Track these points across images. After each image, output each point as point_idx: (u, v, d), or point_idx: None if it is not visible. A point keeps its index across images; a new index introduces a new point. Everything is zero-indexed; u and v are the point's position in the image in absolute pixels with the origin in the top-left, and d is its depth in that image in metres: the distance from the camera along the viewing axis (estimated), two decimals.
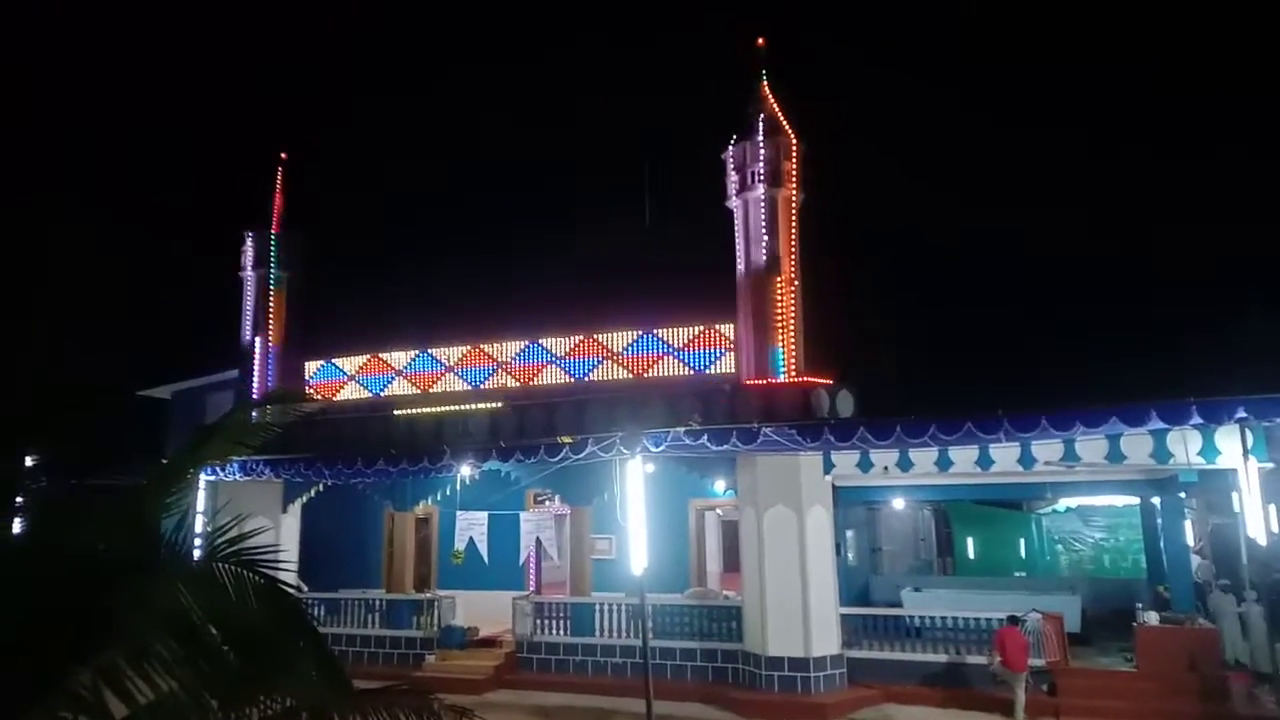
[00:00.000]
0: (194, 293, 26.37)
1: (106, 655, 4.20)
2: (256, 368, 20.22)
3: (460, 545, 18.67)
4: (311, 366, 20.49)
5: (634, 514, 13.32)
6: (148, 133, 33.93)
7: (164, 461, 5.83)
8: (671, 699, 14.16)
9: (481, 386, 18.72)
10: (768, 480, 15.00)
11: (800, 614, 14.47)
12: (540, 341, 18.49)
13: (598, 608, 16.68)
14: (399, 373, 19.74)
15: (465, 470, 16.97)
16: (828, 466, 15.05)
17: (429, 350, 19.38)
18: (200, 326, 24.07)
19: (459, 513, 18.65)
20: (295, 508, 18.90)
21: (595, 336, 17.99)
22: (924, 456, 14.44)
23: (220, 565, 4.99)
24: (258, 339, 20.33)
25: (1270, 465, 13.26)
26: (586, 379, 18.05)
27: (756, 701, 14.19)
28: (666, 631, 15.80)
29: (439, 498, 18.57)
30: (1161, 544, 16.91)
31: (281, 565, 5.23)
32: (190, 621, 4.57)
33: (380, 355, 19.90)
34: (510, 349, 18.71)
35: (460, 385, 19.04)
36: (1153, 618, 14.29)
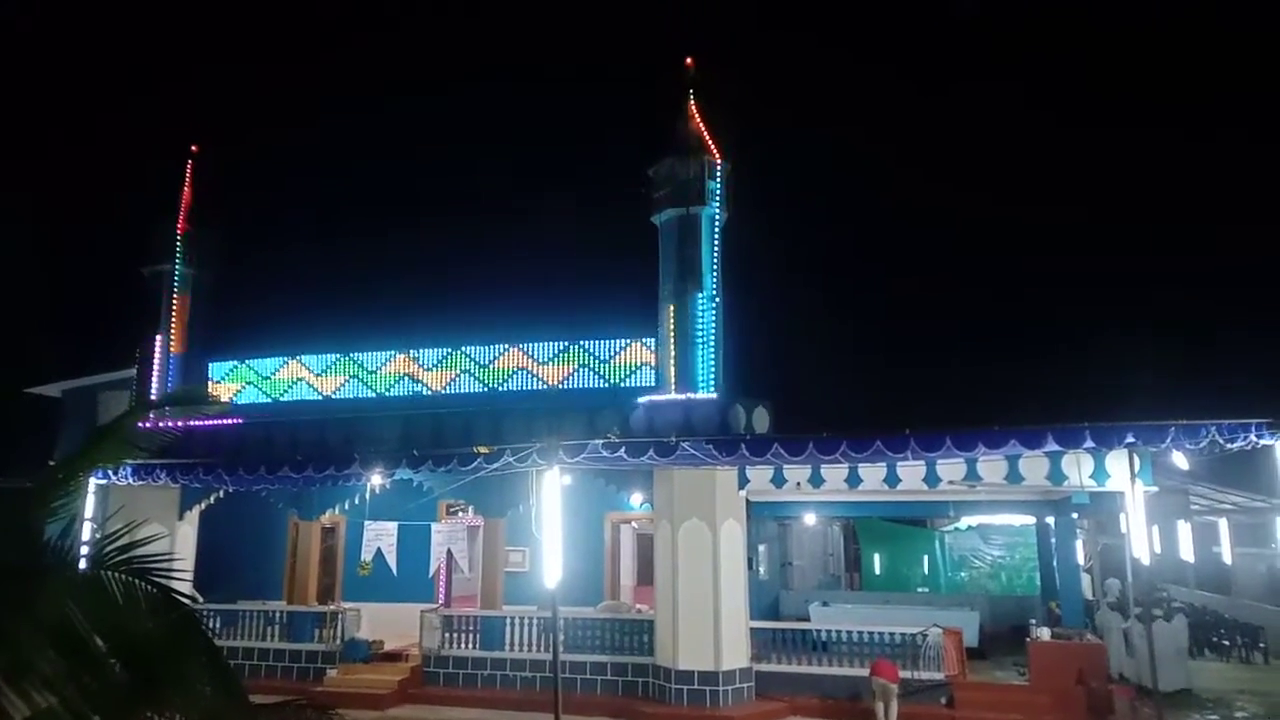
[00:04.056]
0: (91, 288, 25.13)
1: None
2: (156, 367, 19.32)
3: (368, 556, 18.19)
4: (216, 368, 19.70)
5: (549, 526, 13.21)
6: (45, 119, 32.25)
7: (51, 463, 5.51)
8: (581, 713, 14.06)
9: (395, 394, 18.31)
10: (683, 494, 15.10)
11: (711, 628, 14.58)
12: (458, 349, 18.21)
13: (509, 621, 16.46)
14: (309, 377, 19.15)
15: (375, 479, 16.53)
16: (742, 481, 15.24)
17: (341, 355, 18.86)
18: (96, 322, 22.95)
19: (367, 523, 18.18)
20: (193, 515, 18.10)
21: (516, 346, 17.84)
22: (835, 473, 14.79)
23: (109, 573, 4.74)
24: (158, 337, 19.44)
25: (1155, 489, 14.04)
26: (504, 389, 17.86)
27: (665, 715, 14.21)
28: (578, 645, 15.70)
29: (347, 507, 18.06)
30: (1055, 562, 17.69)
31: (176, 574, 5.00)
32: (75, 632, 4.32)
33: (289, 359, 19.27)
34: (426, 356, 18.37)
35: (373, 392, 18.59)
36: (1045, 633, 14.90)
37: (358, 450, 15.94)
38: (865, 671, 14.07)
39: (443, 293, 19.29)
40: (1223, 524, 23.36)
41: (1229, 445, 12.10)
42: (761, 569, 19.78)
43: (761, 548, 19.90)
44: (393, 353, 18.46)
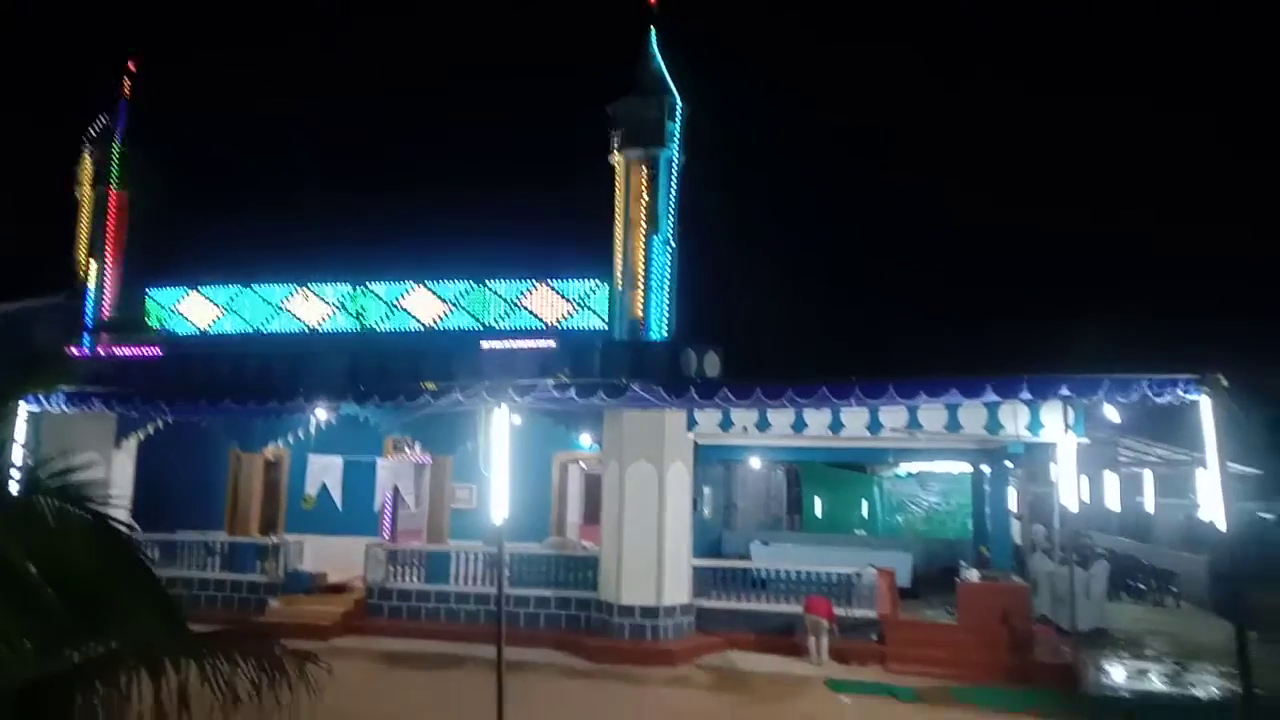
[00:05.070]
0: (22, 209, 24.04)
1: None
2: (91, 293, 18.71)
3: (312, 490, 18.08)
4: (156, 295, 19.12)
5: (497, 464, 13.24)
6: None
7: None
8: (525, 645, 14.32)
9: (343, 327, 18.02)
10: (632, 435, 15.24)
11: (655, 565, 14.89)
12: (407, 283, 17.92)
13: (454, 555, 16.59)
14: (254, 306, 18.71)
15: (321, 413, 16.37)
16: (691, 424, 15.42)
17: (289, 285, 18.41)
18: (30, 245, 22.00)
19: (312, 456, 18.02)
20: (130, 444, 17.73)
21: (468, 283, 17.62)
22: (781, 418, 15.03)
23: (43, 500, 4.65)
24: (94, 262, 18.78)
25: (1086, 441, 14.56)
26: (456, 326, 17.69)
27: (607, 648, 14.56)
28: (523, 580, 15.91)
29: (291, 440, 17.86)
30: (987, 509, 18.34)
31: (113, 502, 4.93)
32: (6, 558, 4.24)
33: (234, 288, 18.76)
34: (377, 289, 18.06)
35: (320, 324, 18.26)
36: (973, 575, 15.52)
37: (302, 383, 15.74)
38: (801, 608, 14.54)
39: (394, 227, 18.85)
40: (1147, 475, 24.42)
41: (1157, 399, 12.56)
42: (706, 510, 20.17)
43: (707, 489, 20.25)
44: (342, 286, 18.10)
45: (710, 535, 20.17)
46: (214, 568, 17.48)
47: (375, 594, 16.54)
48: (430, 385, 14.48)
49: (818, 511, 25.70)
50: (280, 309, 18.35)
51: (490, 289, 17.55)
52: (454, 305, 17.61)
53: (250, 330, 18.36)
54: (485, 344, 16.66)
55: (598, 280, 17.23)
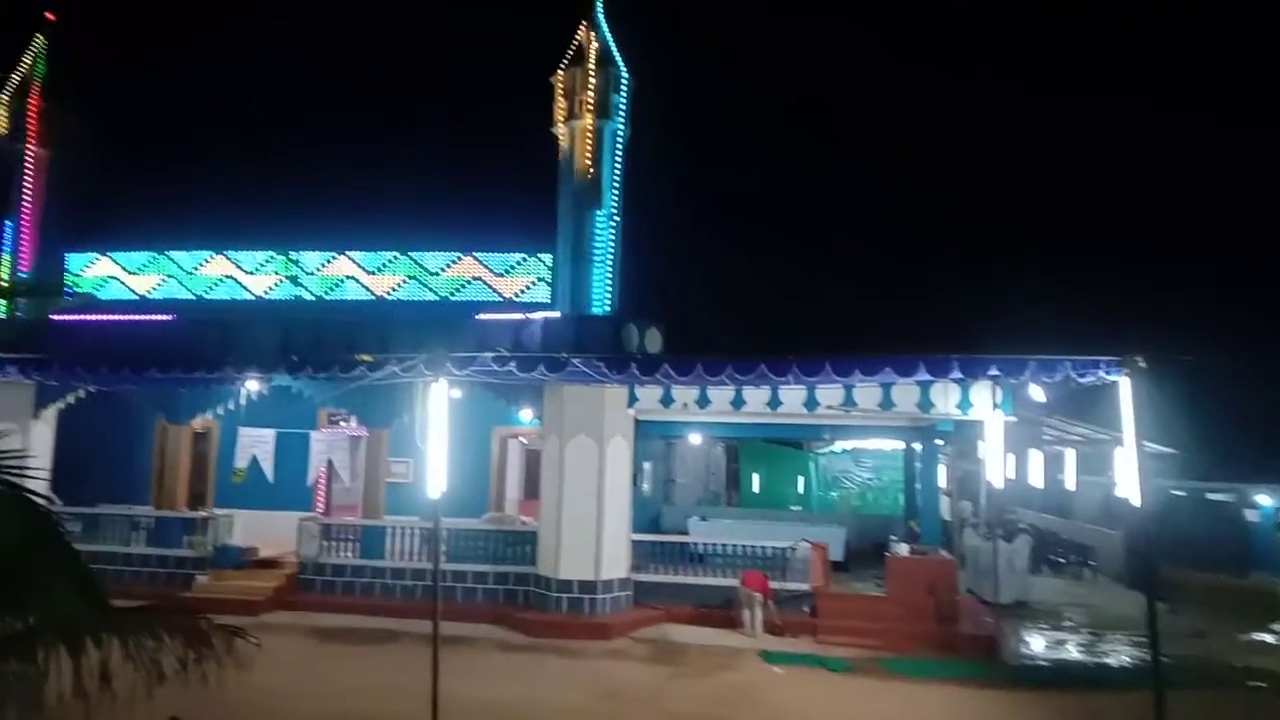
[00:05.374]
0: None
1: None
2: (6, 255, 17.85)
3: (242, 463, 17.64)
4: (75, 259, 18.34)
5: (434, 439, 13.08)
6: None
7: None
8: (462, 620, 14.25)
9: (275, 296, 17.54)
10: (573, 411, 15.21)
11: (594, 539, 14.94)
12: (346, 254, 17.51)
13: (390, 530, 16.40)
14: (182, 273, 18.08)
15: (252, 384, 15.94)
16: (632, 400, 15.46)
17: (218, 251, 17.84)
18: None
19: (242, 429, 17.57)
20: (49, 414, 17.06)
21: (406, 254, 17.29)
22: (721, 395, 15.17)
23: None
24: (7, 222, 17.90)
25: (1013, 419, 15.03)
26: (394, 297, 17.35)
27: (545, 622, 14.59)
28: (460, 555, 15.82)
29: (221, 411, 17.38)
30: (918, 485, 18.84)
31: (29, 473, 4.73)
32: None
33: (159, 254, 18.10)
34: (312, 260, 17.61)
35: (251, 293, 17.74)
36: (903, 549, 15.96)
37: (232, 353, 15.29)
38: (737, 582, 14.78)
39: (330, 194, 18.38)
40: (1069, 454, 25.34)
41: (1081, 380, 13.01)
42: (646, 485, 20.29)
43: (647, 465, 20.37)
44: (272, 254, 17.61)
45: (650, 510, 20.31)
46: (139, 542, 16.98)
47: (309, 569, 16.27)
48: (366, 357, 14.20)
49: (755, 487, 26.09)
50: (209, 276, 17.78)
51: (428, 260, 17.25)
52: (395, 276, 17.29)
53: (178, 298, 17.76)
54: (422, 316, 16.40)
55: (541, 254, 17.08)
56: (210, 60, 24.48)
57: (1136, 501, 9.21)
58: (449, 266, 17.28)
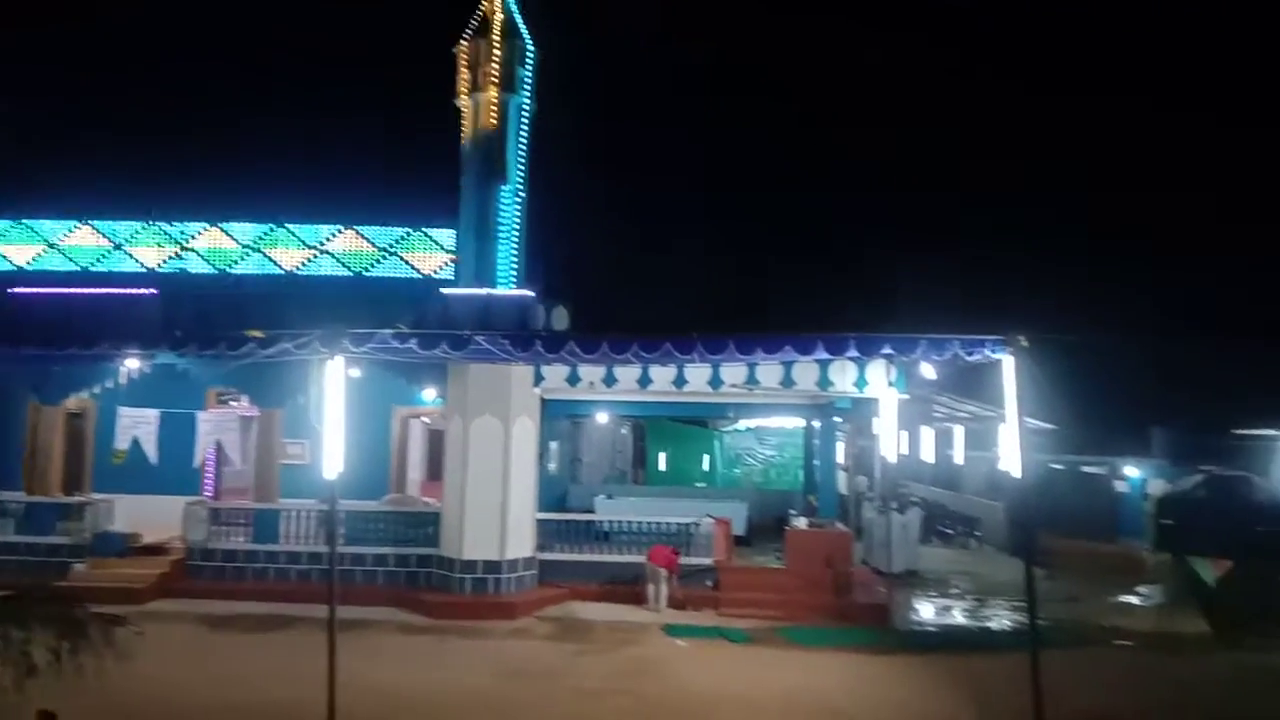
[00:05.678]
0: None
1: None
2: None
3: (123, 445, 16.70)
4: None
5: (331, 418, 12.66)
6: None
7: None
8: (362, 604, 13.94)
9: (159, 268, 16.62)
10: (478, 390, 14.99)
11: (499, 519, 14.80)
12: (235, 225, 16.70)
13: (284, 514, 15.86)
14: (52, 243, 16.91)
15: (132, 362, 15.09)
16: (538, 379, 15.34)
17: (93, 220, 16.75)
18: None
19: (121, 409, 16.62)
20: None
21: (283, 225, 16.60)
22: (627, 373, 15.21)
23: None
24: None
25: (906, 397, 15.60)
26: (290, 272, 16.67)
27: (448, 603, 14.41)
28: (359, 538, 15.44)
29: (98, 391, 16.41)
30: (817, 461, 19.38)
31: None
32: None
33: (29, 220, 16.87)
34: (196, 229, 16.73)
35: (132, 265, 16.75)
36: (802, 523, 16.43)
37: (108, 329, 14.38)
38: (644, 558, 14.92)
39: (219, 161, 17.49)
40: (958, 430, 26.51)
41: (969, 358, 13.55)
42: (552, 464, 20.23)
43: (553, 444, 20.29)
44: (158, 225, 16.66)
45: (556, 489, 20.28)
46: (8, 530, 15.93)
47: (196, 555, 15.60)
48: (256, 333, 13.58)
49: (661, 465, 26.40)
50: (94, 248, 16.71)
51: (326, 234, 16.65)
52: (302, 251, 16.62)
53: (59, 269, 16.65)
54: (321, 291, 15.83)
55: (444, 229, 16.70)
56: (92, 22, 22.86)
57: (1018, 474, 9.69)
58: (330, 239, 16.70)
